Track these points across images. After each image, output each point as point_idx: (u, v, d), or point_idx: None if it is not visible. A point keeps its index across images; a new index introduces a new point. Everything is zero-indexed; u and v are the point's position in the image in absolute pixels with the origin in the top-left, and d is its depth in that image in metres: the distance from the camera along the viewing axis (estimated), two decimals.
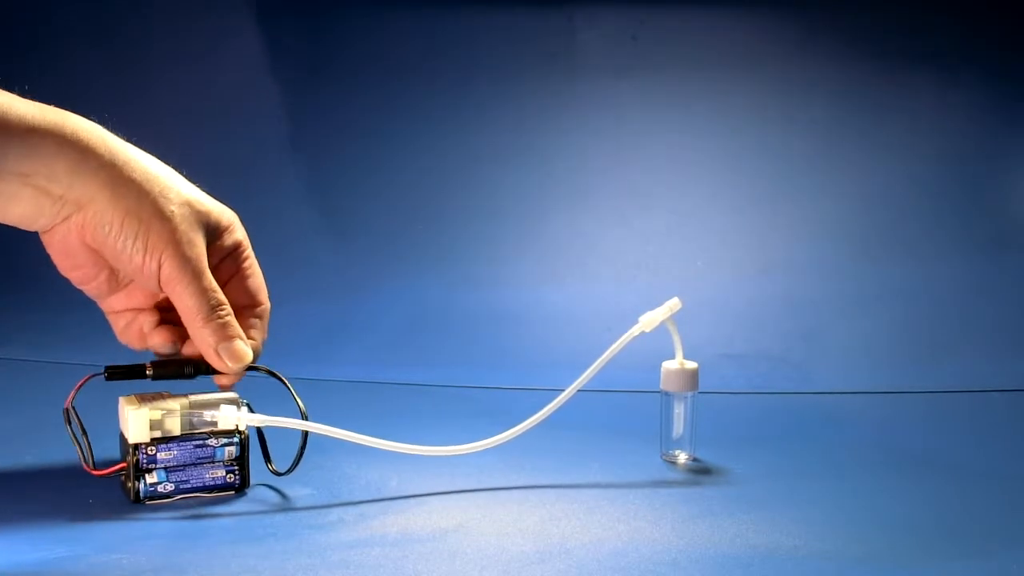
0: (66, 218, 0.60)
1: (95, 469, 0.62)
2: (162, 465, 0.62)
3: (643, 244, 1.00)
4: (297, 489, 0.64)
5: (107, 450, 0.64)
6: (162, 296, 0.65)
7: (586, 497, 0.64)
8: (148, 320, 0.66)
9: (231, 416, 0.62)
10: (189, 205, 0.62)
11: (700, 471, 0.70)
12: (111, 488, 0.63)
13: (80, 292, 0.65)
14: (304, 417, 0.64)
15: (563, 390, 0.68)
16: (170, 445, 0.62)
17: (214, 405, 0.62)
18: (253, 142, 1.07)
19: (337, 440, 0.63)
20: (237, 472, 0.63)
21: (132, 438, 0.61)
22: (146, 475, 0.61)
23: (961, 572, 0.55)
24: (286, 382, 0.65)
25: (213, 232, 0.64)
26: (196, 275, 0.61)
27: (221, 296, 0.63)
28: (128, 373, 0.63)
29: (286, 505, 0.62)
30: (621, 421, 0.81)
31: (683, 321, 0.69)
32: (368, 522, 0.60)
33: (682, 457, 0.71)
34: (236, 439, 0.63)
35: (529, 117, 1.04)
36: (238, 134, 1.07)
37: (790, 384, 0.89)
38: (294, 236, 1.04)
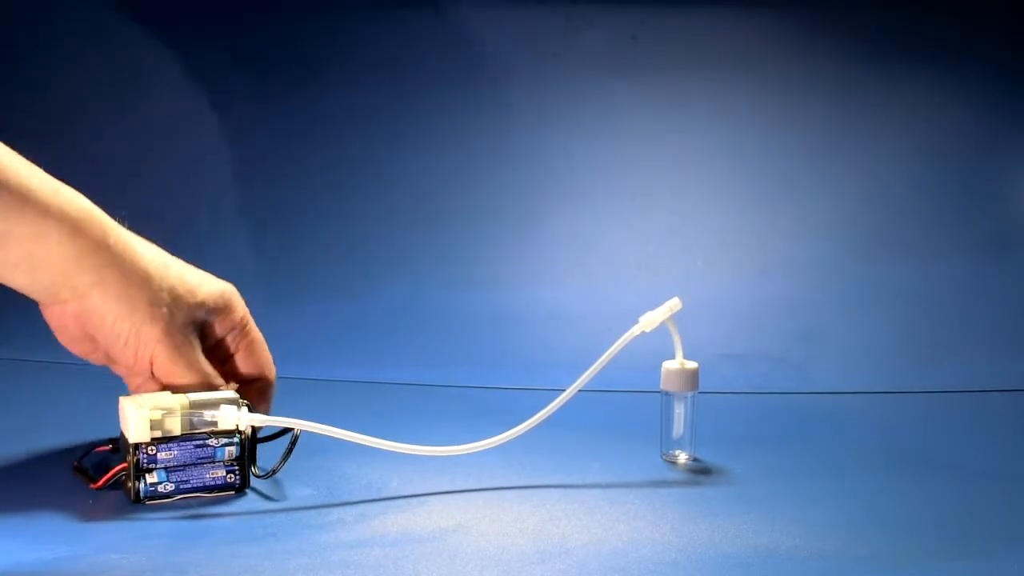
0: (63, 302, 0.61)
1: (94, 482, 0.63)
2: (162, 465, 0.62)
3: (643, 244, 1.00)
4: (297, 489, 0.64)
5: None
6: None
7: (586, 497, 0.64)
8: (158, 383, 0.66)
9: (231, 416, 0.62)
10: (182, 300, 0.63)
11: (700, 471, 0.70)
12: (111, 488, 0.63)
13: None
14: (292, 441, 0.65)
15: (563, 390, 0.68)
16: (170, 445, 0.62)
17: (214, 405, 0.62)
18: (254, 142, 1.07)
19: (337, 440, 0.63)
20: (237, 472, 0.63)
21: (133, 438, 0.61)
22: (146, 475, 0.61)
23: (961, 572, 0.55)
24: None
25: (209, 320, 0.66)
26: (189, 366, 0.63)
27: (218, 380, 0.65)
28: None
29: (286, 505, 0.62)
30: (621, 421, 0.81)
31: (683, 321, 0.69)
32: (368, 522, 0.60)
33: (682, 457, 0.71)
34: (236, 439, 0.63)
35: (529, 117, 1.04)
36: (239, 135, 1.07)
37: (790, 384, 0.89)
38: (294, 237, 1.04)
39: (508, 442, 0.67)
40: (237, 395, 0.64)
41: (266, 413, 0.69)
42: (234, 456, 0.63)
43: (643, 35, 1.03)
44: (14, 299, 0.63)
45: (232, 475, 0.63)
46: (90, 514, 0.60)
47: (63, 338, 0.64)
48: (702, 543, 0.58)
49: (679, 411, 0.70)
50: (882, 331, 0.94)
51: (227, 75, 1.08)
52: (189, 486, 0.62)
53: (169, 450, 0.62)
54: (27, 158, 0.60)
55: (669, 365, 0.70)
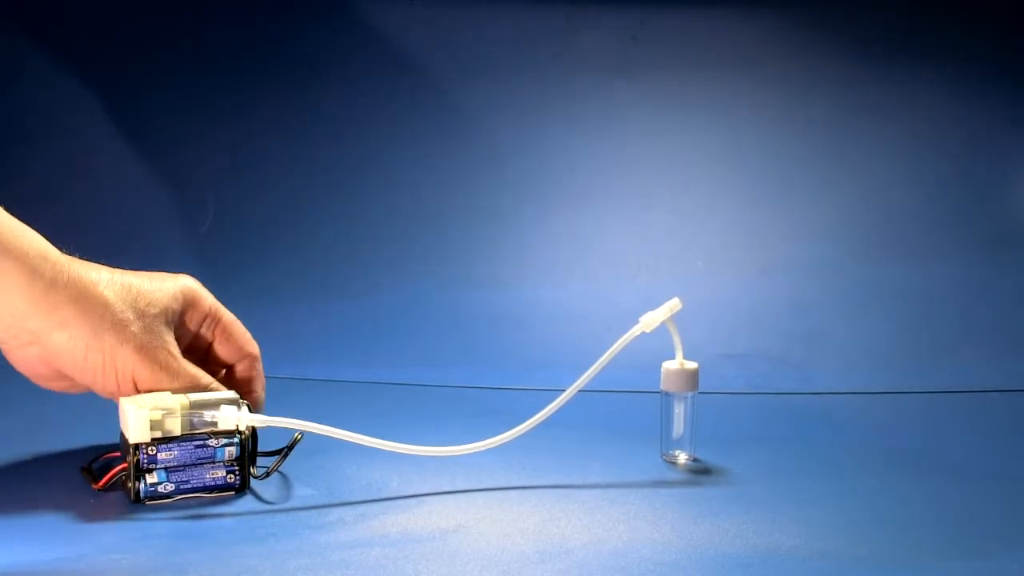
0: (25, 345, 0.61)
1: (96, 482, 0.63)
2: (162, 465, 0.62)
3: (643, 244, 1.00)
4: (297, 489, 0.64)
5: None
6: None
7: (586, 497, 0.64)
8: None
9: (231, 416, 0.62)
10: (146, 312, 0.63)
11: (700, 471, 0.70)
12: (111, 488, 0.63)
13: None
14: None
15: (563, 390, 0.68)
16: (170, 445, 0.62)
17: (214, 405, 0.62)
18: (253, 143, 1.07)
19: (337, 440, 0.63)
20: (237, 472, 0.64)
21: (133, 438, 0.61)
22: (146, 475, 0.61)
23: (961, 572, 0.55)
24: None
25: (177, 320, 0.65)
26: (174, 375, 0.63)
27: (205, 379, 0.65)
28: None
29: (287, 505, 0.62)
30: (621, 421, 0.81)
31: (683, 321, 0.69)
32: (368, 522, 0.60)
33: (682, 457, 0.71)
34: (236, 439, 0.63)
35: (529, 117, 1.04)
36: (239, 135, 1.07)
37: (790, 384, 0.89)
38: (294, 237, 1.04)
39: (508, 442, 0.67)
40: (237, 395, 0.64)
41: (262, 389, 0.69)
42: (234, 456, 0.63)
43: (643, 35, 1.03)
44: None
45: (232, 475, 0.63)
46: (90, 514, 0.60)
47: (37, 380, 0.64)
48: (702, 543, 0.58)
49: (679, 411, 0.70)
50: (882, 331, 0.94)
51: (227, 74, 1.08)
52: (189, 486, 0.62)
53: (169, 450, 0.62)
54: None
55: (669, 365, 0.70)
